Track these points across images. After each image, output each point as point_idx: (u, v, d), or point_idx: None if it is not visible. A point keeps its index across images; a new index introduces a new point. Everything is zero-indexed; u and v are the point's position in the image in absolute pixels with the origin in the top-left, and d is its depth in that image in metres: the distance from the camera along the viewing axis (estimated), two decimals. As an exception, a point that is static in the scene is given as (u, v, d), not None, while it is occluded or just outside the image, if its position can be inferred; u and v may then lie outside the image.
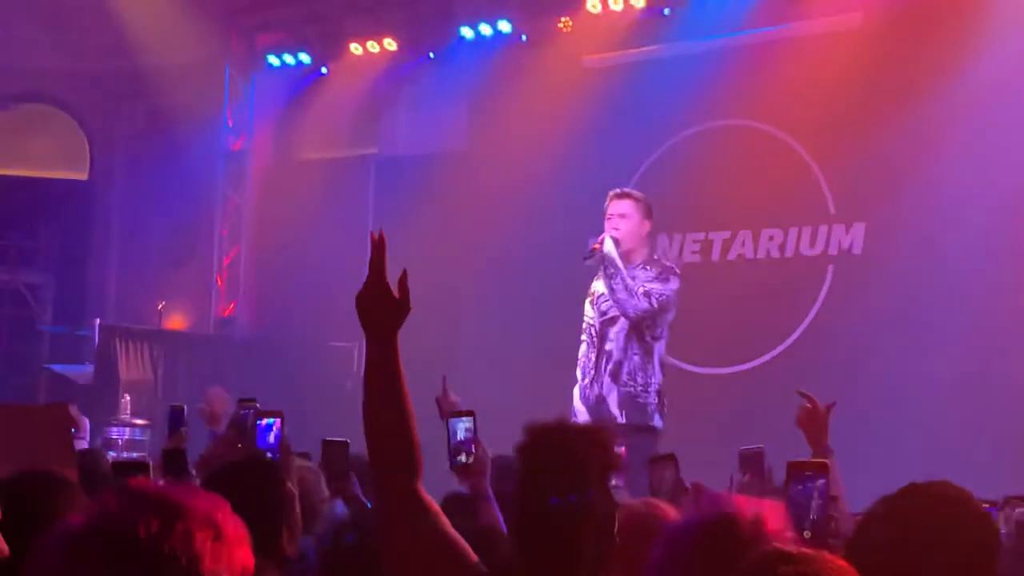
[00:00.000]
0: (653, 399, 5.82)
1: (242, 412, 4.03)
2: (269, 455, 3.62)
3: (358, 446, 4.56)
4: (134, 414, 8.83)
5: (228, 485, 2.48)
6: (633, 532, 2.18)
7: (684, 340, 8.82)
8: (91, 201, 12.49)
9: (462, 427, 3.34)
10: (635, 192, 6.00)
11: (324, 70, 11.27)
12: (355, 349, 10.69)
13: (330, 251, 10.61)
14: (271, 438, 3.73)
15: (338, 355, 10.60)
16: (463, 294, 9.80)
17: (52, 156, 12.51)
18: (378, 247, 2.26)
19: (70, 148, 12.56)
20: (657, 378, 5.86)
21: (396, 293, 2.24)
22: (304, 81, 11.59)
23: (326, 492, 3.60)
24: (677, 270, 5.94)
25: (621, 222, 5.85)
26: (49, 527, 1.56)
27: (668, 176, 9.06)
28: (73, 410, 6.21)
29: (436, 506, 2.16)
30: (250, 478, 2.85)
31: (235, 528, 1.31)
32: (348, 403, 9.66)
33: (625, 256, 5.83)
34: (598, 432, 2.12)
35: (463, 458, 3.32)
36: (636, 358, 5.84)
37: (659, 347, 5.88)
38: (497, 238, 9.64)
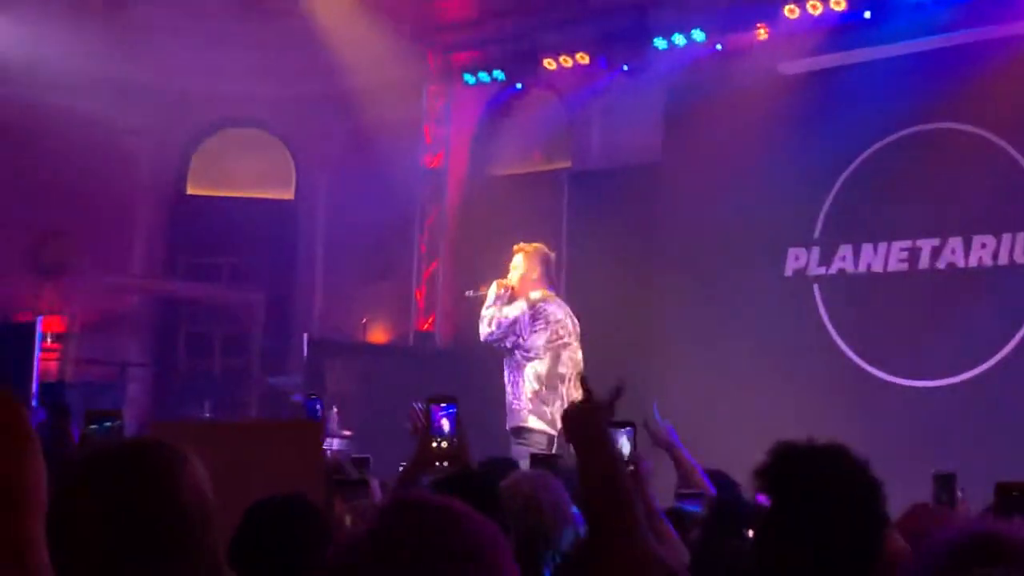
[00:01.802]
0: (526, 405, 7.09)
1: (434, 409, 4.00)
2: (444, 442, 3.68)
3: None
4: (341, 425, 9.11)
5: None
6: None
7: (889, 351, 8.58)
8: (297, 220, 12.96)
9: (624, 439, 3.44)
10: (526, 246, 7.37)
11: (518, 86, 11.41)
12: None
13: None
14: (445, 424, 3.77)
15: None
16: (659, 309, 9.74)
17: (261, 177, 13.04)
18: (583, 383, 2.43)
19: (277, 169, 13.07)
20: (530, 387, 7.10)
21: (606, 404, 2.35)
22: (499, 97, 11.78)
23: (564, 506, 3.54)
24: (532, 299, 7.15)
25: (513, 272, 7.31)
26: (292, 553, 1.62)
27: (872, 183, 8.81)
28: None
29: (657, 550, 2.14)
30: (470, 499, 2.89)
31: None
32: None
33: (521, 294, 7.22)
34: (847, 454, 2.02)
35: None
36: (507, 372, 7.21)
37: (535, 365, 7.12)
38: (694, 251, 9.55)
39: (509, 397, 7.19)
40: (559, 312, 7.19)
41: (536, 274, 7.24)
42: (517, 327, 7.11)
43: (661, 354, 9.45)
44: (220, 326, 12.77)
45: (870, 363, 8.64)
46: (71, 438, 5.06)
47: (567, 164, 11.35)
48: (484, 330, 7.21)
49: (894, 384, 8.49)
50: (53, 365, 11.47)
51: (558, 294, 7.47)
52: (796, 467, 2.01)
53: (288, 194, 13.13)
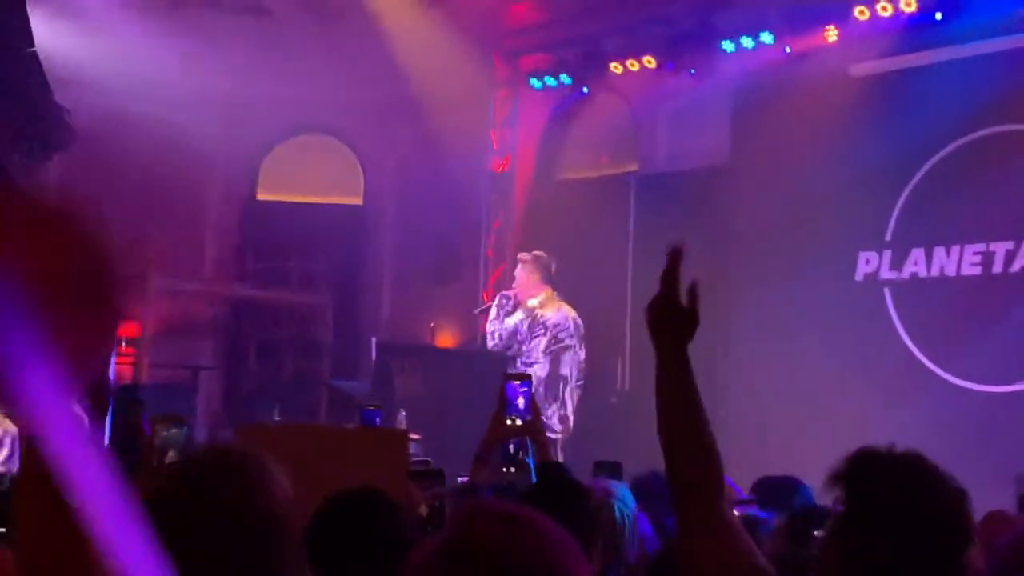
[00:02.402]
0: None
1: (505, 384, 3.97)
2: (519, 420, 3.70)
3: (631, 464, 4.58)
4: (409, 427, 9.15)
5: (540, 505, 2.51)
6: None
7: (962, 356, 8.46)
8: (366, 224, 13.06)
9: None
10: (525, 255, 8.09)
11: (585, 90, 11.41)
12: (618, 365, 10.74)
13: (592, 269, 10.71)
14: (520, 402, 3.78)
15: (602, 371, 10.67)
16: (727, 314, 9.67)
17: (330, 182, 13.16)
18: (674, 258, 2.24)
19: (346, 174, 13.19)
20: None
21: (686, 305, 2.22)
22: (565, 102, 11.78)
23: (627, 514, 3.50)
24: (531, 307, 7.88)
25: (516, 281, 8.06)
26: (368, 546, 1.63)
27: (944, 185, 8.70)
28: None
29: (741, 526, 2.06)
30: (562, 500, 2.87)
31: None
32: (614, 419, 9.73)
33: (522, 302, 7.95)
34: (929, 462, 1.92)
35: None
36: None
37: (535, 369, 7.72)
38: (762, 256, 9.48)
39: None
40: (557, 316, 7.82)
41: (535, 279, 7.92)
42: (518, 335, 7.76)
43: (729, 359, 9.39)
44: (290, 330, 12.91)
45: (943, 368, 8.52)
46: (143, 432, 5.13)
47: (634, 168, 11.32)
48: (490, 342, 7.92)
49: (968, 389, 8.37)
50: (127, 370, 11.66)
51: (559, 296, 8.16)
52: (876, 472, 1.91)
53: (357, 199, 13.24)
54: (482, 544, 1.26)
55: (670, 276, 2.24)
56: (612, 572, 3.18)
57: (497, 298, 8.05)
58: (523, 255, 8.19)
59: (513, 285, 8.12)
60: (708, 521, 2.01)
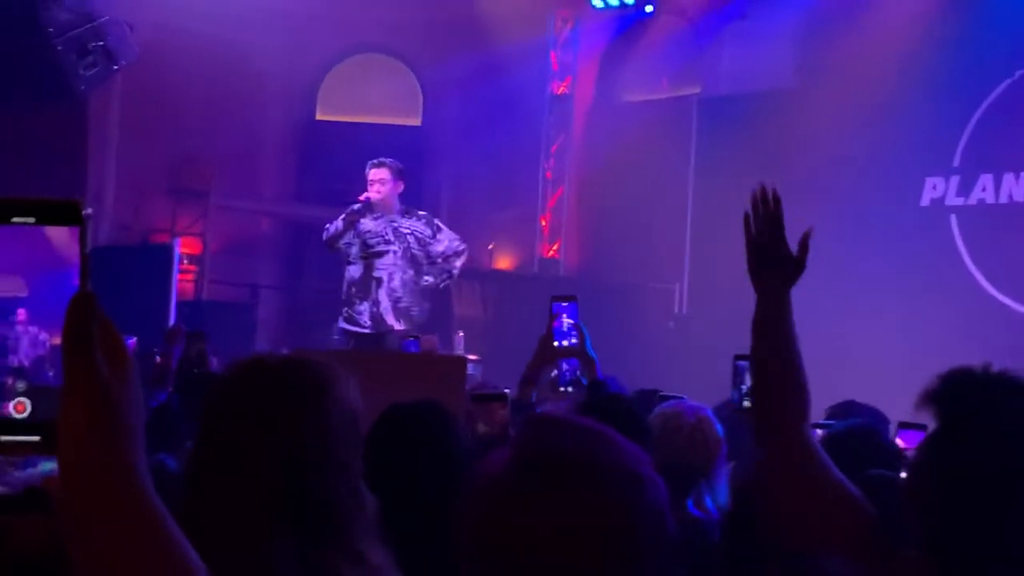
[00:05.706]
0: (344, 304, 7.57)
1: (552, 306, 3.94)
2: (566, 343, 3.70)
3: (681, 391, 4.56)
4: (467, 349, 9.22)
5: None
6: None
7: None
8: (424, 146, 13.03)
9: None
10: (388, 161, 7.69)
11: (648, 9, 11.22)
12: (676, 290, 10.70)
13: (652, 192, 10.63)
14: (566, 323, 3.77)
15: (660, 296, 10.64)
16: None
17: (389, 103, 13.12)
18: (776, 201, 2.24)
19: (405, 95, 13.13)
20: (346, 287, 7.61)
21: (795, 251, 2.20)
22: (628, 22, 11.61)
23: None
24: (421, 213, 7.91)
25: (380, 186, 7.54)
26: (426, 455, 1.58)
27: (1015, 110, 8.49)
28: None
29: (824, 455, 2.05)
30: (616, 416, 2.85)
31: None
32: (671, 343, 9.70)
33: (384, 208, 7.53)
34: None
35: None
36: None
37: (351, 270, 7.55)
38: (827, 180, 9.33)
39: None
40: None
41: (399, 189, 7.70)
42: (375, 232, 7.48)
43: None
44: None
45: (1010, 297, 8.38)
46: (208, 359, 5.22)
47: (696, 90, 11.17)
48: (331, 228, 7.53)
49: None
50: (189, 286, 11.81)
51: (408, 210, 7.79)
52: (975, 391, 1.80)
53: (415, 120, 13.20)
54: (552, 451, 1.25)
55: (775, 220, 2.23)
56: (692, 497, 3.17)
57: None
58: (385, 160, 7.73)
59: (371, 185, 7.59)
60: (793, 444, 2.02)
